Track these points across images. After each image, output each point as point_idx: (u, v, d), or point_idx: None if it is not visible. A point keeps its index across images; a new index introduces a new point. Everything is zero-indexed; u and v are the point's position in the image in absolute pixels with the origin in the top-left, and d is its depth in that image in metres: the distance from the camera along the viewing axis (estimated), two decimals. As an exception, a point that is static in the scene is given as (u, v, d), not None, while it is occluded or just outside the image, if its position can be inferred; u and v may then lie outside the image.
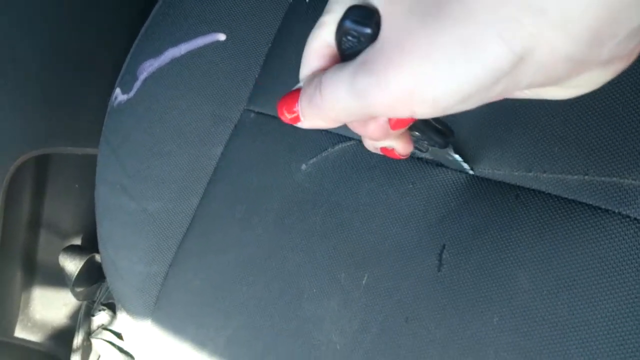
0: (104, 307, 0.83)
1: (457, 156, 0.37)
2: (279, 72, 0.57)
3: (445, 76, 0.19)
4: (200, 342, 0.53)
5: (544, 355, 0.34)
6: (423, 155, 0.42)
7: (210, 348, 0.52)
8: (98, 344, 0.83)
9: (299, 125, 0.27)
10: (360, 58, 0.22)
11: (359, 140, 0.47)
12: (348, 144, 0.48)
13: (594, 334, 0.33)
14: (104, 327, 0.83)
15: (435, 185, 0.42)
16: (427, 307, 0.39)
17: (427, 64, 0.20)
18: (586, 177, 0.34)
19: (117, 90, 0.64)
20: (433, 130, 0.31)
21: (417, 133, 0.31)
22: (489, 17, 0.18)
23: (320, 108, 0.25)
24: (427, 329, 0.39)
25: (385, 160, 0.45)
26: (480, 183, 0.40)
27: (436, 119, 0.32)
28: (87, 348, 0.84)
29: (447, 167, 0.41)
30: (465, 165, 0.39)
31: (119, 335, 0.83)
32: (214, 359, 0.51)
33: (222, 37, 0.61)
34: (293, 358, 0.46)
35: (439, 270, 0.39)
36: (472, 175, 0.40)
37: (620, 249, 0.33)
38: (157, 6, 0.66)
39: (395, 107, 0.21)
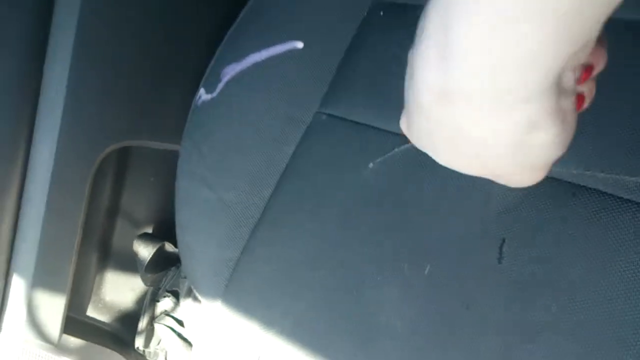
0: (169, 294, 0.88)
1: None
2: (351, 79, 0.62)
3: None
4: (267, 323, 0.57)
5: (599, 340, 0.37)
6: None
7: (277, 329, 0.56)
8: (160, 329, 0.88)
9: None
10: None
11: None
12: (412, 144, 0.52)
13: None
14: (167, 313, 0.89)
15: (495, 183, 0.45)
16: (487, 296, 0.42)
17: None
18: (644, 177, 0.37)
19: (202, 90, 0.70)
20: None
21: None
22: None
23: None
24: (487, 316, 0.42)
25: None
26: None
27: None
28: (150, 332, 0.89)
29: None
30: None
31: (180, 322, 0.88)
32: (280, 339, 0.55)
33: (299, 45, 0.66)
34: (354, 338, 0.50)
35: (499, 263, 0.43)
36: None
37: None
38: (241, 15, 0.72)
39: None
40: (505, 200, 0.44)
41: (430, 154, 0.28)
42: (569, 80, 0.22)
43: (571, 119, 0.24)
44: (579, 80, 0.23)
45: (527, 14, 0.18)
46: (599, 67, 0.25)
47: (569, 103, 0.23)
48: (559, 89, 0.22)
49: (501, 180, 0.27)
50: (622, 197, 0.38)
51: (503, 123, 0.22)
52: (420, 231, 0.48)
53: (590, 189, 0.40)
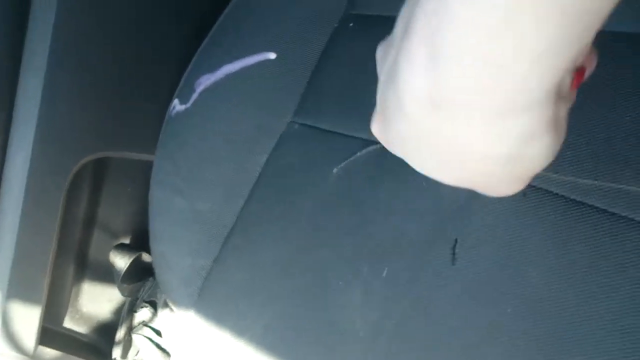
0: (146, 304, 0.88)
1: None
2: (322, 88, 0.63)
3: None
4: (239, 330, 0.57)
5: (555, 343, 0.38)
6: None
7: (248, 336, 0.56)
8: (138, 340, 0.88)
9: None
10: None
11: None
12: (373, 147, 0.53)
13: (599, 326, 0.37)
14: (145, 324, 0.89)
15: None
16: (443, 298, 0.43)
17: None
18: (596, 181, 0.38)
19: (176, 101, 0.71)
20: None
21: None
22: None
23: None
24: (444, 318, 0.43)
25: (401, 161, 0.50)
26: None
27: None
28: (127, 342, 0.89)
29: None
30: None
31: (158, 333, 0.88)
32: (251, 345, 0.56)
33: (272, 55, 0.67)
34: (319, 345, 0.50)
35: (452, 264, 0.43)
36: None
37: (624, 249, 0.37)
38: (214, 27, 0.73)
39: None
40: (456, 201, 0.44)
41: (407, 160, 0.26)
42: (566, 85, 0.21)
43: (563, 127, 0.22)
44: (572, 85, 0.22)
45: (533, 8, 0.16)
46: (590, 69, 0.23)
47: (564, 110, 0.22)
48: (557, 94, 0.20)
49: (479, 190, 0.26)
50: (574, 199, 0.39)
51: (499, 134, 0.20)
52: (377, 233, 0.49)
53: (542, 189, 0.41)
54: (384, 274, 0.47)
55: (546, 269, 0.39)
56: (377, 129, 0.27)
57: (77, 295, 0.87)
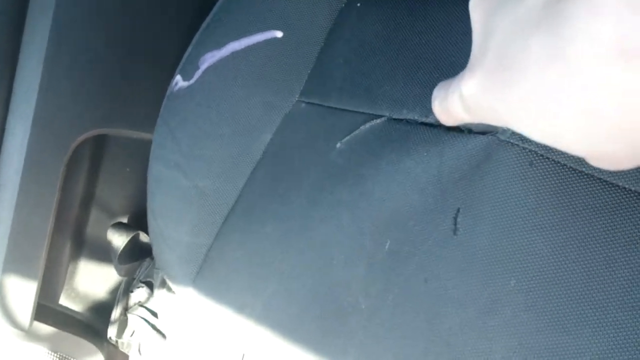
0: (143, 285, 0.88)
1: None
2: (329, 67, 0.62)
3: None
4: (238, 306, 0.57)
5: (560, 314, 0.38)
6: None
7: (247, 312, 0.56)
8: (133, 320, 0.88)
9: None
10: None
11: (388, 118, 0.52)
12: (377, 121, 0.53)
13: (608, 299, 0.37)
14: (141, 304, 0.88)
15: (447, 150, 0.45)
16: (445, 269, 0.42)
17: None
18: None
19: (178, 77, 0.70)
20: None
21: None
22: None
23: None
24: (445, 289, 0.42)
25: (404, 132, 0.49)
26: (491, 146, 0.43)
27: None
28: (123, 322, 0.89)
29: (459, 132, 0.45)
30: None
31: (154, 313, 0.88)
32: (250, 321, 0.55)
33: (279, 34, 0.66)
34: (323, 320, 0.50)
35: (454, 234, 0.43)
36: (482, 138, 0.43)
37: (635, 223, 0.37)
38: (218, 3, 0.72)
39: None
40: (459, 169, 0.44)
41: (528, 129, 0.23)
42: None
43: None
44: None
45: None
46: None
47: None
48: None
49: (603, 164, 0.23)
50: (582, 171, 0.39)
51: None
52: (378, 206, 0.48)
53: (548, 158, 0.40)
54: (387, 247, 0.46)
55: (553, 241, 0.39)
56: (474, 90, 0.25)
57: (73, 273, 0.87)
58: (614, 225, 0.37)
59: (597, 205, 0.38)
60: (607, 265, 0.37)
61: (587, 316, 0.37)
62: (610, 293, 0.37)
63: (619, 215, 0.37)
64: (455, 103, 0.28)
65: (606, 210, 0.37)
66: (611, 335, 0.37)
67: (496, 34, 0.23)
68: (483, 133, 0.43)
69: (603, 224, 0.37)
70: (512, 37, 0.22)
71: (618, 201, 0.37)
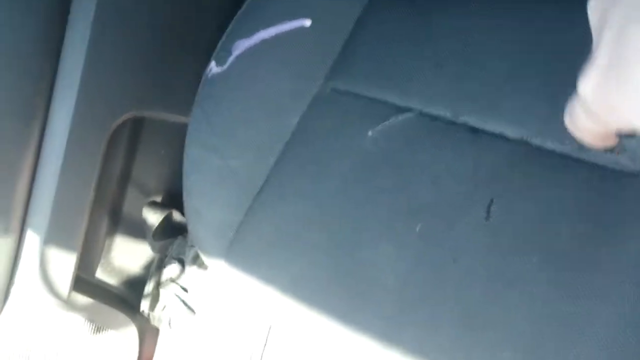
0: (175, 261, 0.92)
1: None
2: (356, 55, 0.65)
3: None
4: (266, 279, 0.60)
5: (580, 290, 0.40)
6: None
7: (275, 285, 0.59)
8: (165, 295, 0.92)
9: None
10: None
11: (420, 112, 0.55)
12: (410, 114, 0.56)
13: (627, 277, 0.39)
14: (172, 280, 0.93)
15: (484, 152, 0.48)
16: (473, 250, 0.46)
17: None
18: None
19: (213, 63, 0.74)
20: None
21: None
22: None
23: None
24: (472, 268, 0.45)
25: (440, 127, 0.52)
26: (525, 149, 0.46)
27: None
28: (155, 297, 0.93)
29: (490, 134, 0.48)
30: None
31: (184, 289, 0.92)
32: (278, 294, 0.59)
33: (307, 22, 0.69)
34: (350, 294, 0.53)
35: (486, 220, 0.46)
36: (517, 142, 0.47)
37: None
38: (251, -5, 0.75)
39: None
40: (498, 164, 0.47)
41: None
42: None
43: None
44: None
45: None
46: None
47: None
48: None
49: None
50: (613, 169, 0.42)
51: None
52: (413, 192, 0.51)
53: (580, 160, 0.43)
54: (418, 229, 0.49)
55: (578, 228, 0.42)
56: (590, 89, 0.25)
57: (109, 248, 0.91)
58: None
59: (624, 196, 0.40)
60: (628, 248, 0.39)
61: (608, 291, 0.39)
62: (633, 272, 0.39)
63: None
64: (577, 110, 0.27)
65: (631, 203, 0.40)
66: (618, 305, 0.39)
67: (610, 30, 0.23)
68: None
69: (629, 219, 0.40)
70: (625, 31, 0.22)
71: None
